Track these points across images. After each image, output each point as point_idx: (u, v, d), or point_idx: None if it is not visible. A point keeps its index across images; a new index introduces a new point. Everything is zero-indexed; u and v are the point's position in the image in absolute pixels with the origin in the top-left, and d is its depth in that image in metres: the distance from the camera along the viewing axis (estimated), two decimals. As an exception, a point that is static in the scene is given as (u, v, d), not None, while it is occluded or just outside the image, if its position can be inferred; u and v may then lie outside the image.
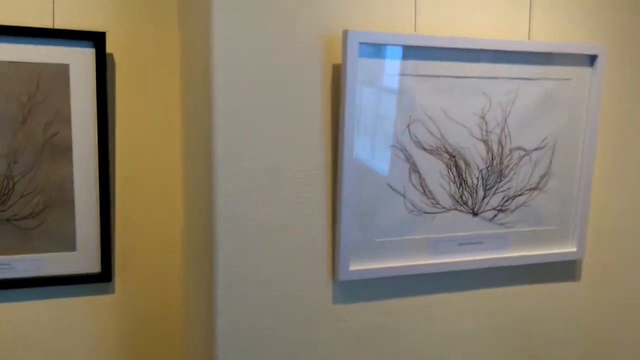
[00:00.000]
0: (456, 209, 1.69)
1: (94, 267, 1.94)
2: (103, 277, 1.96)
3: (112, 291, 2.01)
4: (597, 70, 1.74)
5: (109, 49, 1.85)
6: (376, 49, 1.54)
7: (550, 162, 1.75)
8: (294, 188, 1.55)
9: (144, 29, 1.86)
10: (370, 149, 1.58)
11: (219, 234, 1.51)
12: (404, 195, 1.62)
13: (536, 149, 1.73)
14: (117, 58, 1.88)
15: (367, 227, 1.61)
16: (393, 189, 1.61)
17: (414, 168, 1.62)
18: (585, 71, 1.75)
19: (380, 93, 1.57)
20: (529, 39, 1.71)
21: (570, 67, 1.74)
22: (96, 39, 1.80)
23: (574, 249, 1.82)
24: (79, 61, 1.79)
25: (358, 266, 1.61)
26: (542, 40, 1.74)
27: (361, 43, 1.50)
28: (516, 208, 1.75)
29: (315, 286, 1.62)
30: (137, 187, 1.94)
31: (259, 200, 1.53)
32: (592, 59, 1.75)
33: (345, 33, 1.49)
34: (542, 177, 1.75)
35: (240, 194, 1.51)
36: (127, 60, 1.89)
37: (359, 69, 1.52)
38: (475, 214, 1.71)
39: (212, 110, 1.47)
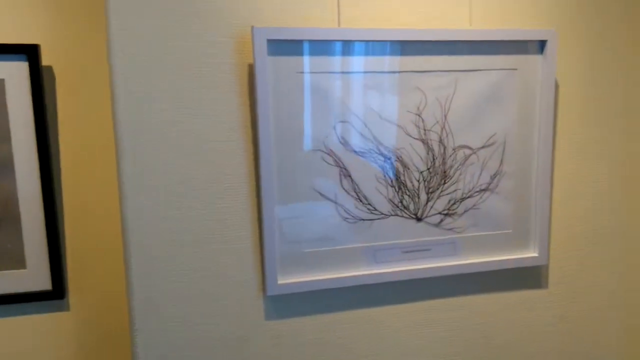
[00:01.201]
0: (397, 215, 1.49)
1: (45, 284, 1.84)
2: (55, 294, 1.87)
3: (67, 308, 1.90)
4: (547, 57, 1.53)
5: (48, 61, 1.75)
6: (290, 46, 1.38)
7: (501, 160, 1.54)
8: (214, 200, 1.40)
9: (82, 40, 1.75)
10: (293, 154, 1.41)
11: (131, 250, 1.39)
12: (335, 202, 1.45)
13: (483, 147, 1.53)
14: (56, 70, 1.76)
15: (295, 238, 1.44)
16: (323, 195, 1.43)
17: (345, 172, 1.44)
18: (533, 59, 1.55)
19: (299, 94, 1.40)
20: (470, 26, 1.50)
21: (515, 55, 1.53)
22: (29, 52, 1.70)
23: (535, 254, 1.60)
24: (14, 75, 1.71)
25: (287, 279, 1.44)
26: (483, 27, 1.55)
27: (270, 40, 1.34)
28: (465, 211, 1.54)
29: (245, 302, 1.48)
30: (84, 200, 1.83)
31: (173, 214, 1.40)
32: (541, 45, 1.54)
33: (252, 30, 1.32)
34: (492, 177, 1.54)
35: (151, 208, 1.39)
36: (66, 71, 1.78)
37: (270, 68, 1.39)
38: (418, 219, 1.51)
39: (115, 121, 1.35)
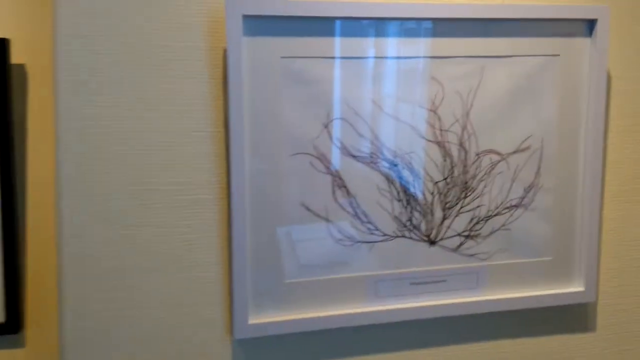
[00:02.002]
0: (404, 236, 1.13)
1: (-1, 316, 1.50)
2: (9, 328, 1.52)
3: (22, 344, 1.55)
4: (598, 40, 1.16)
5: (19, 59, 1.41)
6: (273, 24, 1.08)
7: (538, 169, 1.17)
8: (175, 214, 1.08)
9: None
10: (274, 159, 1.06)
11: (65, 279, 1.08)
12: (326, 219, 1.09)
13: (515, 152, 1.16)
14: (29, 68, 1.43)
15: (274, 265, 1.08)
16: (310, 210, 1.08)
17: (339, 182, 1.08)
18: (580, 43, 1.18)
19: (283, 84, 1.07)
20: (501, 0, 1.16)
21: (557, 38, 1.16)
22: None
23: (581, 289, 1.23)
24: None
25: (261, 318, 1.10)
26: (517, 2, 1.20)
27: (247, 17, 1.02)
28: (491, 233, 1.17)
29: (208, 346, 1.15)
30: (51, 221, 1.46)
31: (120, 233, 1.09)
32: (590, 26, 1.17)
33: (225, 4, 1.00)
34: (527, 191, 1.17)
35: (93, 224, 1.07)
36: (41, 71, 1.43)
37: (247, 52, 1.08)
38: (432, 242, 1.14)
39: (57, 116, 1.10)
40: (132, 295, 1.10)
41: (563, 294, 1.26)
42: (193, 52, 1.07)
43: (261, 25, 1.07)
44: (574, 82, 1.22)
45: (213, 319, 1.13)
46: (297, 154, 1.12)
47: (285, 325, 1.13)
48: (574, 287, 1.27)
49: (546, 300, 1.25)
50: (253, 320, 1.12)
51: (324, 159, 1.13)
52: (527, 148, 1.22)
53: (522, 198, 1.23)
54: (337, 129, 1.13)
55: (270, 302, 1.14)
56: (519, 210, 1.23)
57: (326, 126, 1.12)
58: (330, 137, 1.13)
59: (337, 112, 1.12)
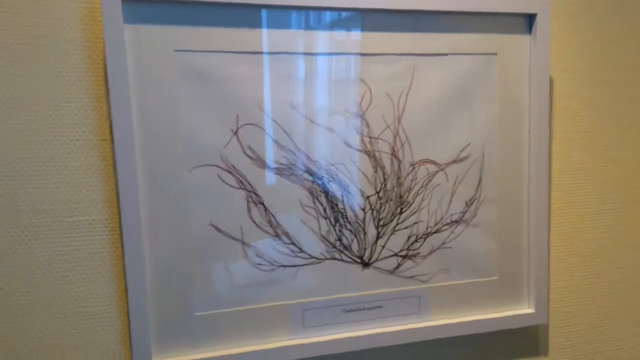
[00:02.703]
0: (334, 258, 0.88)
1: None
2: None
3: None
4: (539, 37, 0.94)
5: None
6: (159, 10, 0.84)
7: (480, 180, 0.93)
8: (58, 239, 0.80)
9: None
10: (174, 172, 0.80)
11: None
12: (241, 241, 0.83)
13: (454, 162, 0.92)
14: None
15: (181, 296, 0.81)
16: (221, 232, 0.82)
17: (255, 198, 0.82)
18: (519, 40, 0.95)
19: (179, 83, 0.81)
20: None
21: (495, 34, 0.94)
22: None
23: (530, 310, 0.98)
24: None
25: (168, 358, 0.80)
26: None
27: (126, 1, 0.74)
28: (431, 252, 0.93)
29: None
30: None
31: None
32: (529, 21, 0.95)
33: (101, -15, 0.74)
34: (468, 204, 0.93)
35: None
36: None
37: (131, 44, 0.85)
38: (365, 264, 0.89)
39: None
40: (14, 338, 0.82)
41: (512, 316, 1.02)
42: (69, 45, 0.82)
43: (146, 11, 0.82)
44: (514, 84, 1.00)
45: (111, 359, 0.86)
46: (202, 165, 0.87)
47: (195, 366, 0.86)
48: (523, 309, 1.04)
49: (494, 324, 1.01)
50: (157, 359, 0.85)
51: (234, 171, 0.88)
52: (467, 157, 0.99)
53: (464, 213, 0.99)
54: (248, 136, 0.88)
55: (178, 338, 0.87)
56: (461, 226, 0.99)
57: (235, 133, 0.87)
58: (241, 146, 0.88)
59: (248, 116, 0.88)
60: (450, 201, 0.98)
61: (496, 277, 1.02)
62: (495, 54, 0.99)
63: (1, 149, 0.81)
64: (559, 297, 1.07)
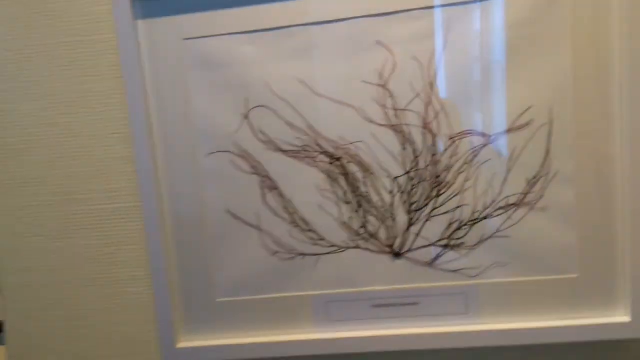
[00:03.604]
0: (358, 247, 0.72)
1: None
2: None
3: None
4: None
5: None
6: (166, 1, 0.73)
7: (548, 151, 0.66)
8: (99, 225, 0.82)
9: None
10: (190, 159, 0.73)
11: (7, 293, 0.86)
12: (258, 228, 0.73)
13: (510, 131, 0.67)
14: None
15: (203, 281, 0.75)
16: (238, 218, 0.73)
17: (269, 184, 0.72)
18: None
19: (189, 71, 0.74)
20: None
21: None
22: None
23: (625, 318, 0.66)
24: None
25: (192, 342, 0.77)
26: None
27: None
28: (481, 241, 0.69)
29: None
30: None
31: (52, 245, 0.84)
32: None
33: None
34: (531, 183, 0.67)
35: (29, 238, 0.84)
36: None
37: (144, 37, 0.78)
38: (396, 255, 0.71)
39: None
40: (70, 311, 0.85)
41: (598, 325, 0.70)
42: (101, 45, 0.79)
43: (155, 4, 0.74)
44: (595, 23, 0.67)
45: (145, 341, 0.82)
46: (215, 152, 0.76)
47: (218, 350, 0.78)
48: (615, 317, 0.71)
49: (571, 333, 0.71)
50: (182, 343, 0.79)
51: (247, 156, 0.76)
52: (528, 124, 0.70)
53: (525, 194, 0.71)
54: (259, 119, 0.75)
55: (202, 324, 0.79)
56: (522, 211, 0.71)
57: (246, 117, 0.75)
58: (253, 130, 0.75)
59: (257, 98, 0.74)
60: (506, 179, 0.71)
61: (575, 275, 0.71)
62: None
63: (56, 148, 0.81)
64: None
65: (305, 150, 0.73)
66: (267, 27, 0.72)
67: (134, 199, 0.79)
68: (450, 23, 0.68)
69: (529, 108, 0.68)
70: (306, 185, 0.74)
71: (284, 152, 0.74)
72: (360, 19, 0.70)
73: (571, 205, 0.69)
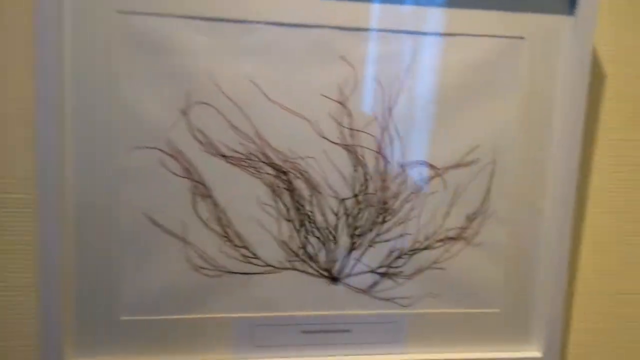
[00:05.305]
0: (295, 269, 0.47)
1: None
2: None
3: None
4: (582, 20, 0.46)
5: None
6: None
7: (488, 190, 0.48)
8: None
9: None
10: (109, 151, 0.42)
11: None
12: (183, 239, 0.44)
13: (457, 167, 0.47)
14: None
15: (107, 293, 0.44)
16: (159, 225, 0.43)
17: (203, 190, 0.44)
18: (556, 23, 0.47)
19: (121, 50, 0.43)
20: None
21: (524, 14, 0.47)
22: None
23: (537, 354, 0.51)
24: None
25: None
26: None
27: None
28: (418, 272, 0.49)
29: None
30: None
31: None
32: (571, 1, 0.47)
33: None
34: (470, 219, 0.48)
35: None
36: None
37: (67, 5, 0.40)
38: (334, 279, 0.48)
39: None
40: None
41: (513, 359, 0.56)
42: (13, 7, 0.47)
43: None
44: (545, 76, 0.54)
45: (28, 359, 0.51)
46: (142, 147, 0.49)
47: (116, 378, 0.50)
48: (530, 352, 0.58)
49: None
50: None
51: (180, 157, 0.50)
52: (474, 162, 0.54)
53: (464, 229, 0.55)
54: (200, 116, 0.49)
55: (100, 346, 0.51)
56: (459, 245, 0.55)
57: (184, 112, 0.49)
58: (190, 128, 0.49)
59: (200, 93, 0.49)
60: (448, 214, 0.55)
61: (498, 310, 0.57)
62: (523, 38, 0.53)
63: None
64: (582, 341, 0.60)
65: (249, 159, 0.51)
66: (224, 17, 0.49)
67: (25, 190, 0.49)
68: (416, 51, 0.51)
69: (477, 147, 0.54)
70: (245, 197, 0.51)
71: (225, 157, 0.51)
72: (328, 29, 0.50)
73: (502, 243, 0.56)
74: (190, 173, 0.50)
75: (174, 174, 0.50)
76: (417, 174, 0.54)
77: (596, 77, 0.56)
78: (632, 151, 0.58)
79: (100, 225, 0.50)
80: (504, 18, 0.52)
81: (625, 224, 0.59)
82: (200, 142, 0.50)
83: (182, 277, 0.51)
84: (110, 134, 0.49)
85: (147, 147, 0.50)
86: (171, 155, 0.50)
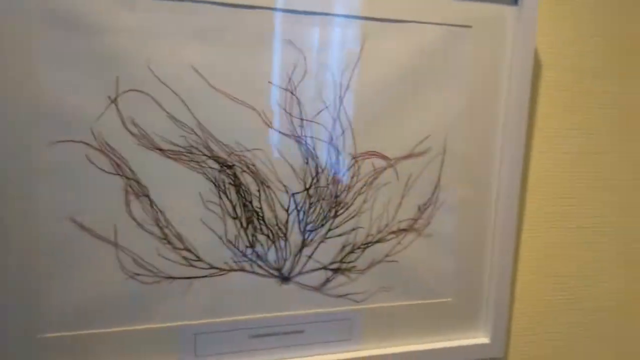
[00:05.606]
0: (243, 270, 0.42)
1: None
2: None
3: None
4: (525, 9, 0.45)
5: None
6: None
7: (438, 181, 0.46)
8: None
9: None
10: (26, 146, 0.33)
11: None
12: (114, 243, 0.36)
13: (408, 157, 0.45)
14: None
15: (21, 310, 0.35)
16: (86, 229, 0.35)
17: (137, 189, 0.37)
18: (501, 12, 0.46)
19: (41, 31, 0.35)
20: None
21: (471, 2, 0.46)
22: None
23: (485, 340, 0.51)
24: None
25: None
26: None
27: None
28: (371, 266, 0.46)
29: None
30: None
31: None
32: None
33: None
34: (422, 209, 0.46)
35: None
36: None
37: None
38: (285, 279, 0.43)
39: None
40: None
41: (463, 347, 0.57)
42: None
43: None
44: (490, 66, 0.54)
45: None
46: (65, 141, 0.42)
47: (39, 405, 0.43)
48: (479, 339, 0.58)
49: (442, 355, 0.56)
50: None
51: (110, 151, 0.43)
52: (425, 152, 0.53)
53: (415, 220, 0.54)
54: (132, 106, 0.43)
55: None
56: (410, 236, 0.54)
57: (114, 101, 0.42)
58: (122, 119, 0.43)
59: (132, 80, 0.42)
60: (400, 205, 0.53)
61: (449, 299, 0.57)
62: (471, 26, 0.52)
63: None
64: (524, 325, 0.62)
65: (190, 152, 0.46)
66: (156, -8, 0.43)
67: None
68: (366, 38, 0.49)
69: (428, 136, 0.54)
70: (186, 194, 0.47)
71: (162, 151, 0.46)
72: (274, 12, 0.47)
73: (452, 233, 0.56)
74: (122, 169, 0.45)
75: (103, 170, 0.44)
76: (369, 165, 0.52)
77: (536, 66, 0.57)
78: (568, 139, 0.60)
79: (17, 232, 0.43)
80: (453, 6, 0.51)
81: (561, 209, 0.61)
82: (134, 135, 0.45)
83: (115, 285, 0.46)
84: (27, 126, 0.42)
85: (70, 141, 0.43)
86: (99, 150, 0.44)
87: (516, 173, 0.56)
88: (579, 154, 0.61)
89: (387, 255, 0.54)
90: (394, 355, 0.54)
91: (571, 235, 0.62)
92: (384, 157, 0.52)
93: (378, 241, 0.53)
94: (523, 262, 0.61)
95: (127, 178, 0.45)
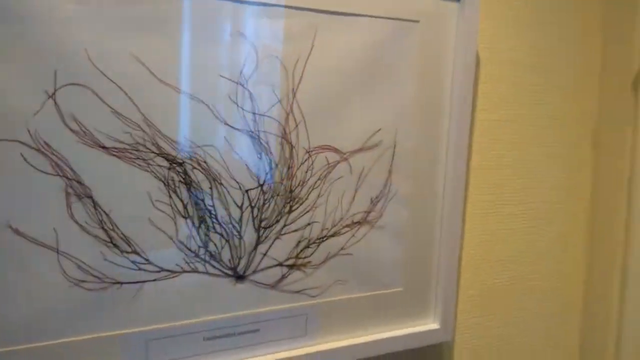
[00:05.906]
0: (196, 271, 0.39)
1: None
2: None
3: None
4: (467, 5, 0.46)
5: None
6: None
7: (389, 172, 0.47)
8: None
9: None
10: None
11: None
12: (55, 249, 0.33)
13: (361, 150, 0.45)
14: None
15: None
16: (22, 234, 0.31)
17: (79, 189, 0.33)
18: (446, 8, 0.47)
19: None
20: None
21: None
22: None
23: (435, 325, 0.53)
24: None
25: None
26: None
27: None
28: (327, 260, 0.47)
29: None
30: None
31: None
32: None
33: None
34: (374, 202, 0.46)
35: None
36: None
37: None
38: (239, 277, 0.42)
39: None
40: None
41: (414, 334, 0.59)
42: None
43: None
44: (436, 60, 0.56)
45: None
46: (5, 141, 0.38)
47: None
48: (429, 324, 0.61)
49: (395, 343, 0.58)
50: None
51: (48, 150, 0.40)
52: (376, 145, 0.54)
53: (368, 212, 0.55)
54: (72, 101, 0.40)
55: None
56: (364, 228, 0.55)
57: (52, 96, 0.39)
58: (61, 115, 0.39)
59: (72, 73, 0.39)
60: (354, 198, 0.54)
61: (401, 288, 0.59)
62: (418, 21, 0.53)
63: None
64: (470, 308, 0.66)
65: (136, 150, 0.44)
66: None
67: None
68: (316, 30, 0.49)
69: (379, 130, 0.55)
70: (133, 194, 0.45)
71: (106, 149, 0.43)
72: (223, 1, 0.45)
73: (403, 224, 0.58)
74: (61, 169, 0.42)
75: (41, 171, 0.41)
76: (323, 159, 0.52)
77: (476, 60, 0.60)
78: (502, 130, 0.63)
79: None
80: (400, 0, 0.52)
81: (497, 197, 0.64)
82: (74, 132, 0.42)
83: (56, 294, 0.43)
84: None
85: (3, 140, 0.40)
86: (36, 149, 0.41)
87: (461, 164, 0.58)
88: (511, 144, 0.64)
89: (342, 249, 0.54)
90: (348, 347, 0.55)
91: (506, 221, 0.66)
92: (337, 151, 0.52)
93: (333, 235, 0.54)
94: (466, 249, 0.64)
95: (68, 178, 0.42)
